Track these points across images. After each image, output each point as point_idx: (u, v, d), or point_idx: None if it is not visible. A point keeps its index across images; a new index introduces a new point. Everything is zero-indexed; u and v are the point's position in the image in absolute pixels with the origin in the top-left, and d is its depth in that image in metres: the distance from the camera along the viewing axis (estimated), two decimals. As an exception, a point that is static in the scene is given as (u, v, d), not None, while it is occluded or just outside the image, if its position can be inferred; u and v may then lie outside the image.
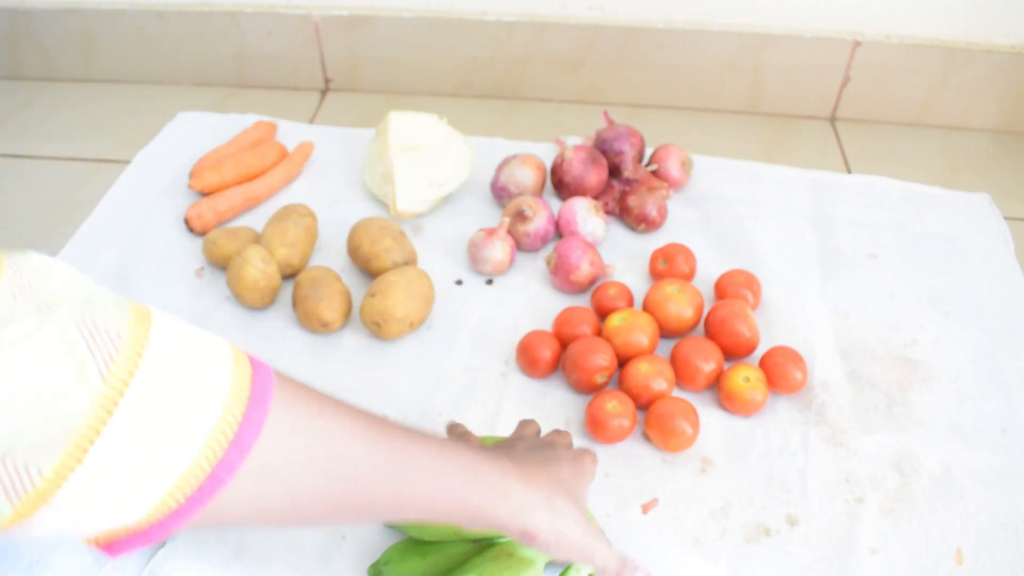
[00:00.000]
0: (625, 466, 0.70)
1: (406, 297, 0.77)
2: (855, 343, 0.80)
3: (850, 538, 0.64)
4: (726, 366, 0.77)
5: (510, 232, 0.88)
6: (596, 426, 0.70)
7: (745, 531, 0.65)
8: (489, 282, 0.87)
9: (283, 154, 1.00)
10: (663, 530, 0.65)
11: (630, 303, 0.82)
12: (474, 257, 0.86)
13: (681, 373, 0.74)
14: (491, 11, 1.11)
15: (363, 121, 1.10)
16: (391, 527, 0.64)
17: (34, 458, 0.33)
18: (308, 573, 0.62)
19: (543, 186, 0.96)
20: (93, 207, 0.95)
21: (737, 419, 0.73)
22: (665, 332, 0.79)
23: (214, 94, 1.19)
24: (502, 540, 0.61)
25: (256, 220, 0.93)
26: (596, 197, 0.94)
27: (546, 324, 0.81)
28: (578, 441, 0.71)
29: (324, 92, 1.20)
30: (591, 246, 0.85)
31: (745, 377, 0.73)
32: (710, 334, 0.78)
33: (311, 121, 1.15)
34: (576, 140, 1.03)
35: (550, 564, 0.61)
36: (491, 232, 0.86)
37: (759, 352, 0.77)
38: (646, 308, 0.80)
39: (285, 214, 0.86)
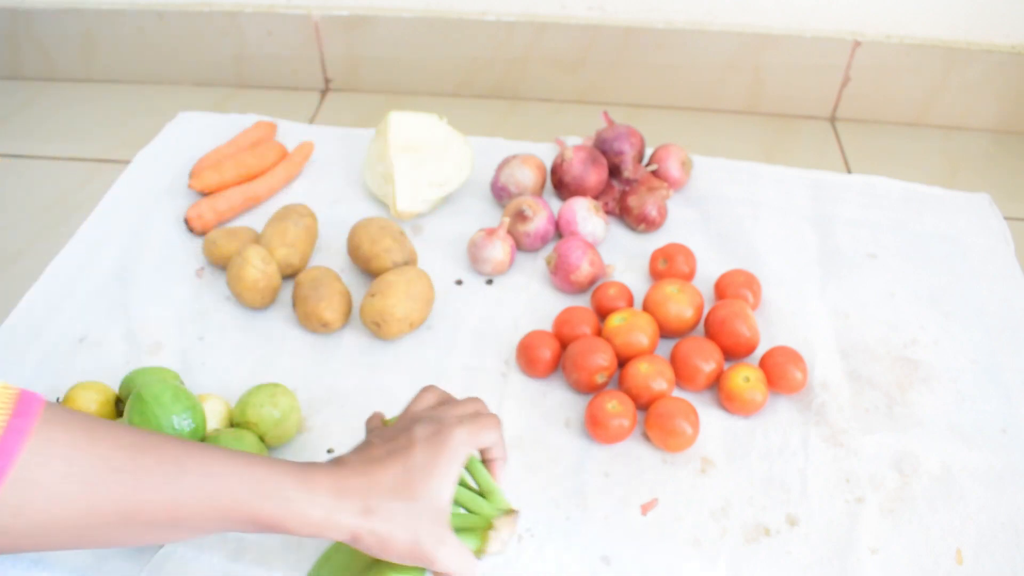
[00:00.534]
0: (625, 466, 0.70)
1: (406, 297, 0.77)
2: (855, 343, 0.80)
3: (850, 538, 0.64)
4: (726, 366, 0.77)
5: (510, 232, 0.88)
6: (596, 426, 0.70)
7: (745, 531, 0.65)
8: (489, 282, 0.87)
9: (283, 154, 1.00)
10: (663, 530, 0.65)
11: (630, 303, 0.82)
12: (474, 257, 0.86)
13: (681, 373, 0.74)
14: (491, 11, 1.11)
15: (363, 121, 1.10)
16: None
17: None
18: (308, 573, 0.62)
19: (543, 186, 0.96)
20: (93, 207, 0.95)
21: (737, 419, 0.73)
22: (665, 332, 0.79)
23: (214, 94, 1.19)
24: None
25: (256, 220, 0.93)
26: (596, 197, 0.94)
27: (546, 324, 0.81)
28: (578, 441, 0.71)
29: (324, 92, 1.20)
30: (591, 246, 0.85)
31: (745, 377, 0.73)
32: (710, 334, 0.78)
33: (311, 121, 1.15)
34: (576, 140, 1.03)
35: None
36: (491, 232, 0.86)
37: (759, 352, 0.77)
38: (646, 308, 0.80)
39: (285, 214, 0.86)
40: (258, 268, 0.79)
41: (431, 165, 0.93)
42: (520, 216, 0.88)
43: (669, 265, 0.85)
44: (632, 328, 0.76)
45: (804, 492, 0.67)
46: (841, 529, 0.65)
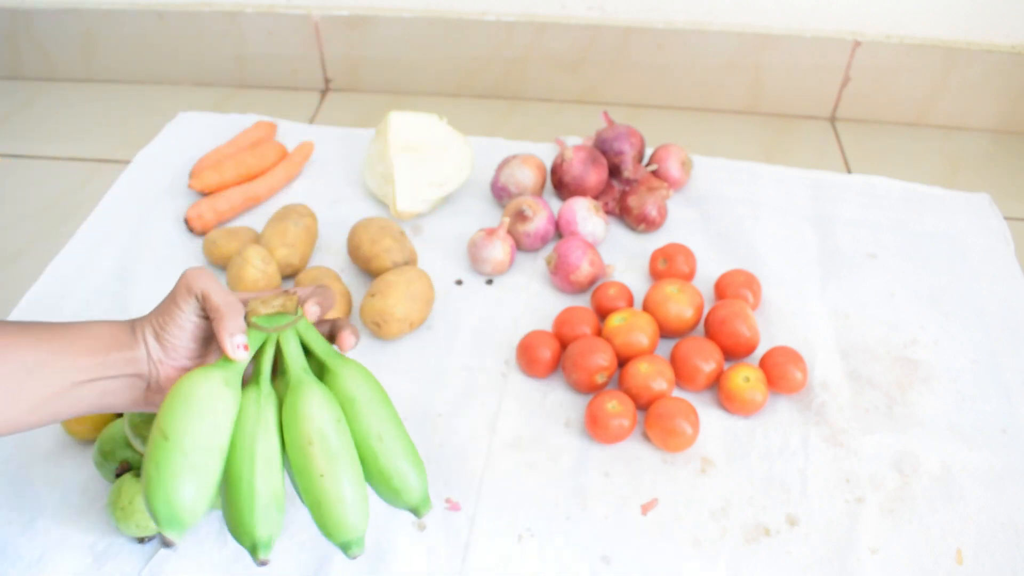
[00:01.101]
0: (625, 466, 0.70)
1: (406, 297, 0.77)
2: (855, 343, 0.80)
3: (850, 538, 0.64)
4: (726, 366, 0.77)
5: (510, 232, 0.88)
6: (596, 426, 0.70)
7: (745, 531, 0.65)
8: (489, 282, 0.87)
9: (283, 154, 1.00)
10: (663, 530, 0.65)
11: (630, 303, 0.82)
12: (474, 257, 0.86)
13: (681, 373, 0.74)
14: (491, 11, 1.11)
15: (363, 121, 1.10)
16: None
17: None
18: (308, 573, 0.62)
19: (543, 186, 0.96)
20: (93, 207, 0.95)
21: (737, 419, 0.73)
22: (665, 332, 0.79)
23: (214, 94, 1.19)
24: None
25: (256, 220, 0.93)
26: (596, 197, 0.94)
27: (546, 324, 0.81)
28: (578, 441, 0.71)
29: (324, 92, 1.20)
30: (591, 246, 0.85)
31: (745, 377, 0.73)
32: (710, 334, 0.78)
33: (311, 121, 1.15)
34: (576, 140, 1.03)
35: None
36: (491, 232, 0.86)
37: (759, 352, 0.77)
38: (646, 308, 0.80)
39: (285, 214, 0.86)
40: (258, 268, 0.79)
41: (431, 165, 0.93)
42: (520, 216, 0.88)
43: (669, 265, 0.85)
44: (632, 328, 0.76)
45: (804, 492, 0.67)
46: (841, 529, 0.65)
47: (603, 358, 0.73)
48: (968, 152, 1.10)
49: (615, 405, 0.70)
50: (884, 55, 1.08)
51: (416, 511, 0.56)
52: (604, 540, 0.64)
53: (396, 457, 0.55)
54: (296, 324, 0.56)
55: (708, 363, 0.74)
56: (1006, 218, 0.94)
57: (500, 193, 0.95)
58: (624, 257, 0.89)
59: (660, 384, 0.72)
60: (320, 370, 0.57)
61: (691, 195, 0.97)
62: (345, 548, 0.53)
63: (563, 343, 0.77)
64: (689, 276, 0.85)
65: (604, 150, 0.95)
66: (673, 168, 0.96)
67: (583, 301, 0.84)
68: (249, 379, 0.56)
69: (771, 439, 0.71)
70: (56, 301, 0.83)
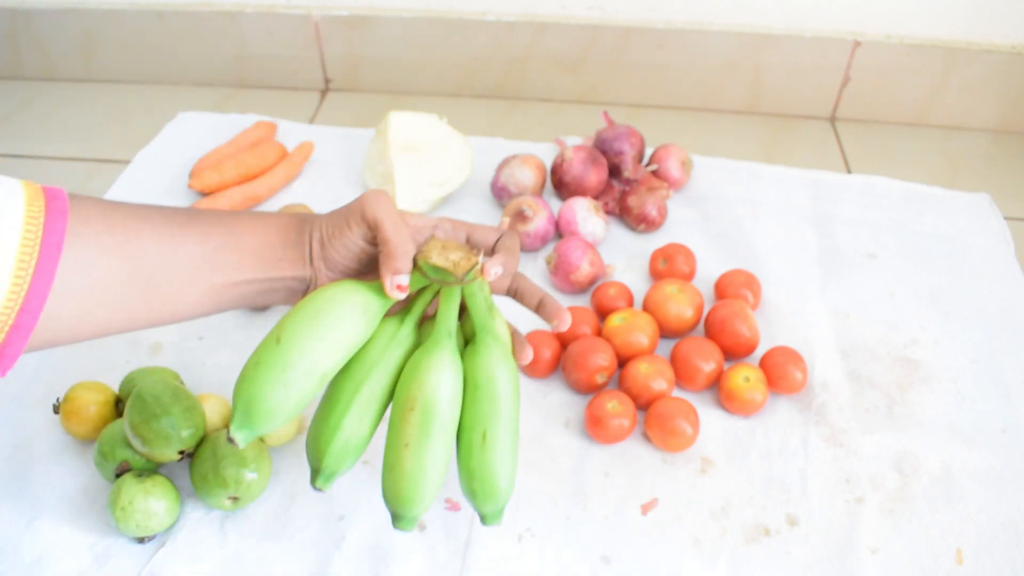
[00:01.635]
0: (625, 466, 0.70)
1: (406, 297, 0.77)
2: (855, 343, 0.80)
3: (850, 538, 0.64)
4: (726, 366, 0.77)
5: (510, 232, 0.88)
6: (596, 426, 0.70)
7: (745, 531, 0.65)
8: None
9: (283, 154, 1.00)
10: (663, 530, 0.65)
11: (630, 303, 0.82)
12: (474, 257, 0.86)
13: (681, 373, 0.74)
14: (491, 11, 1.11)
15: (363, 121, 1.10)
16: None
17: None
18: (308, 573, 0.62)
19: (543, 186, 0.96)
20: (93, 207, 0.95)
21: (737, 419, 0.73)
22: (665, 332, 0.79)
23: (214, 94, 1.19)
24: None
25: (256, 220, 0.93)
26: (596, 197, 0.94)
27: (546, 324, 0.81)
28: (578, 441, 0.71)
29: (324, 92, 1.20)
30: (591, 246, 0.85)
31: (745, 377, 0.73)
32: (710, 334, 0.78)
33: (311, 121, 1.15)
34: (576, 140, 1.03)
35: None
36: (491, 232, 0.86)
37: (759, 352, 0.77)
38: (646, 308, 0.80)
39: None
40: (258, 268, 0.79)
41: (431, 165, 0.93)
42: (520, 216, 0.88)
43: (669, 265, 0.85)
44: (632, 328, 0.76)
45: (804, 492, 0.67)
46: (841, 529, 0.65)
47: (603, 358, 0.73)
48: (968, 152, 1.10)
49: (615, 405, 0.70)
50: (884, 55, 1.08)
51: (483, 519, 0.55)
52: (604, 540, 0.64)
53: (488, 463, 0.52)
54: (463, 283, 0.52)
55: (708, 363, 0.74)
56: (1006, 218, 0.94)
57: (500, 193, 0.95)
58: (624, 257, 0.89)
59: (660, 384, 0.72)
60: (469, 337, 0.55)
61: (691, 195, 0.97)
62: (394, 518, 0.52)
63: (563, 343, 0.77)
64: (689, 276, 0.85)
65: (604, 150, 0.95)
66: (673, 168, 0.96)
67: (583, 301, 0.84)
68: (397, 311, 0.55)
69: (771, 439, 0.71)
70: (56, 301, 0.83)
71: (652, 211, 0.91)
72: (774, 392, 0.75)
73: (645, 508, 0.67)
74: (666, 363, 0.74)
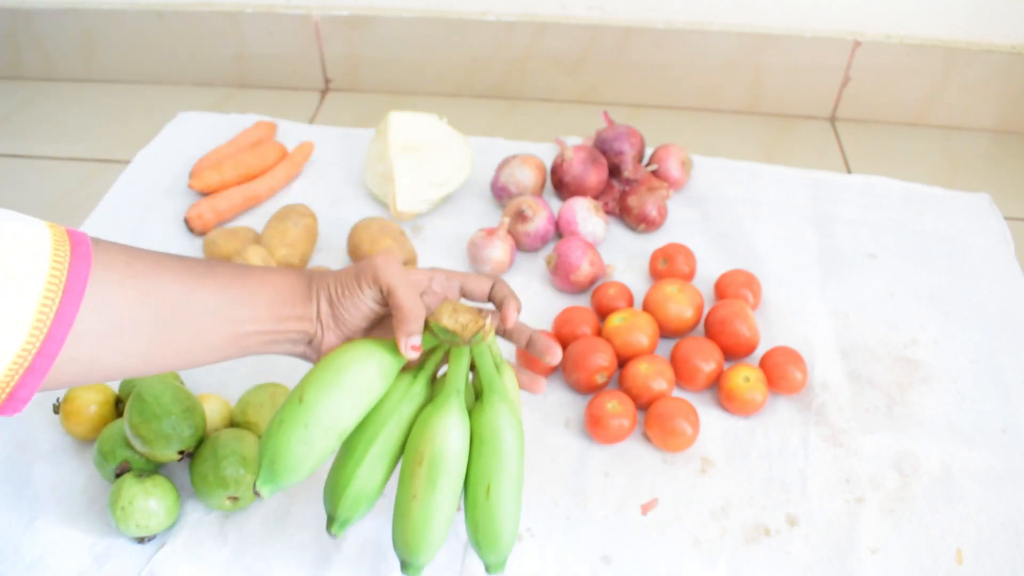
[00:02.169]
0: (625, 466, 0.70)
1: (406, 297, 0.77)
2: (855, 343, 0.80)
3: (850, 538, 0.64)
4: (726, 366, 0.77)
5: (510, 232, 0.88)
6: (596, 426, 0.70)
7: (745, 531, 0.65)
8: (489, 282, 0.87)
9: (283, 154, 1.00)
10: (663, 530, 0.65)
11: (630, 303, 0.82)
12: (474, 257, 0.86)
13: (681, 373, 0.74)
14: (491, 11, 1.11)
15: (363, 121, 1.10)
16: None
17: None
18: (308, 573, 0.62)
19: (543, 186, 0.96)
20: (93, 207, 0.95)
21: (737, 419, 0.73)
22: (665, 332, 0.79)
23: (214, 94, 1.19)
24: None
25: (256, 220, 0.93)
26: (596, 197, 0.94)
27: (546, 324, 0.81)
28: (578, 441, 0.71)
29: (324, 92, 1.20)
30: (591, 246, 0.85)
31: (745, 377, 0.73)
32: (710, 334, 0.78)
33: (311, 121, 1.15)
34: (576, 140, 1.03)
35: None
36: (491, 232, 0.86)
37: (759, 352, 0.77)
38: (646, 308, 0.80)
39: (285, 214, 0.86)
40: (258, 268, 0.79)
41: (431, 165, 0.93)
42: (520, 216, 0.88)
43: (669, 265, 0.85)
44: (632, 328, 0.76)
45: (804, 492, 0.67)
46: (841, 529, 0.65)
47: (603, 358, 0.73)
48: (968, 152, 1.10)
49: (615, 405, 0.70)
50: (884, 55, 1.08)
51: (487, 568, 0.58)
52: (604, 540, 0.64)
53: (491, 518, 0.55)
54: (471, 344, 0.56)
55: (708, 363, 0.74)
56: (1006, 218, 0.94)
57: (500, 193, 0.95)
58: (624, 257, 0.89)
59: (660, 384, 0.72)
60: (477, 394, 0.58)
61: (691, 195, 0.97)
62: (403, 565, 0.56)
63: (563, 343, 0.77)
64: (689, 276, 0.85)
65: (604, 150, 0.95)
66: (673, 168, 0.96)
67: (583, 301, 0.84)
68: (411, 367, 0.58)
69: (771, 439, 0.71)
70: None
71: (652, 211, 0.91)
72: (774, 392, 0.75)
73: (645, 508, 0.67)
74: (666, 363, 0.74)
